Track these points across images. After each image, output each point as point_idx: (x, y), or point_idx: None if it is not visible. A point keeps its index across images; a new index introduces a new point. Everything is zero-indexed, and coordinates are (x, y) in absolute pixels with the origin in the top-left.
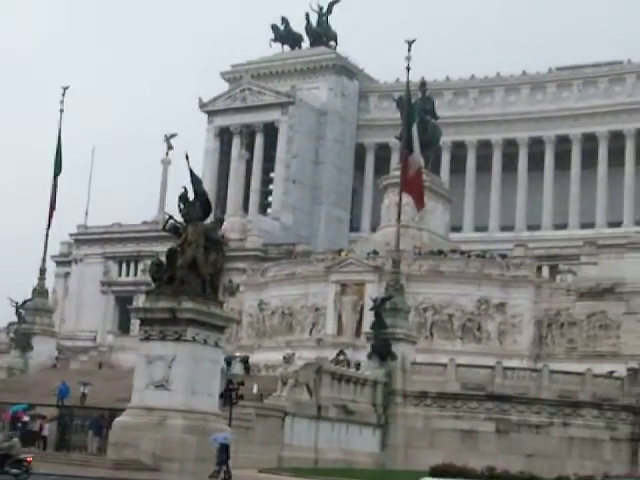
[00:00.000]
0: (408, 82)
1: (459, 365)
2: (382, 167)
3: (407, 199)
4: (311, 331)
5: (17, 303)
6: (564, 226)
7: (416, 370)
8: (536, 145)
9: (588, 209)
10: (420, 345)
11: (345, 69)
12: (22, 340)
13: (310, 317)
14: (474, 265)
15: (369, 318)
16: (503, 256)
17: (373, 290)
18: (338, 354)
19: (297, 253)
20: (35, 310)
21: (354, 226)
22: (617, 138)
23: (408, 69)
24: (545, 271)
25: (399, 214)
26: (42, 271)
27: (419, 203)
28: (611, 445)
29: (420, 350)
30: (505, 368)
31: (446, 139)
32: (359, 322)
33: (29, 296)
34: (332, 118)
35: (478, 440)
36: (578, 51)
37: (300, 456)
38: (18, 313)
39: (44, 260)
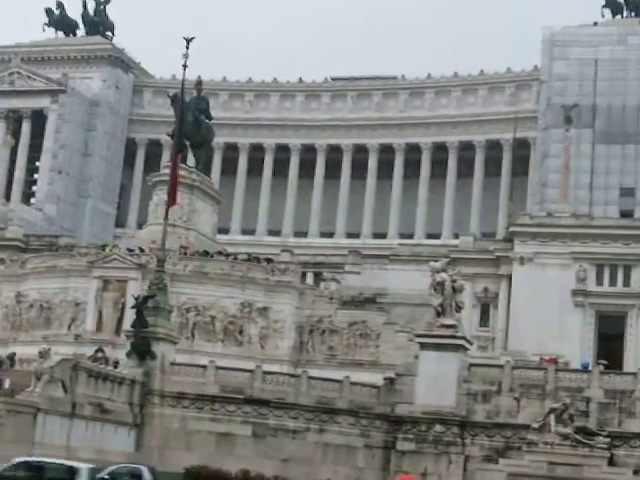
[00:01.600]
0: (184, 80)
1: (219, 367)
2: (153, 164)
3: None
4: (70, 326)
5: None
6: (331, 235)
7: (175, 371)
8: (308, 152)
9: (355, 219)
10: (181, 346)
11: (120, 61)
12: None
13: (69, 312)
14: (239, 268)
15: (130, 316)
16: (269, 260)
17: (136, 288)
18: (97, 351)
19: (60, 246)
20: None
21: (120, 222)
22: (387, 151)
23: (184, 67)
24: (310, 278)
25: (167, 212)
26: None
27: (171, 200)
28: (365, 452)
29: (181, 351)
30: (265, 372)
31: (219, 140)
32: (120, 320)
33: None
34: (104, 110)
35: (235, 443)
36: (354, 64)
37: (51, 454)
38: None
39: None
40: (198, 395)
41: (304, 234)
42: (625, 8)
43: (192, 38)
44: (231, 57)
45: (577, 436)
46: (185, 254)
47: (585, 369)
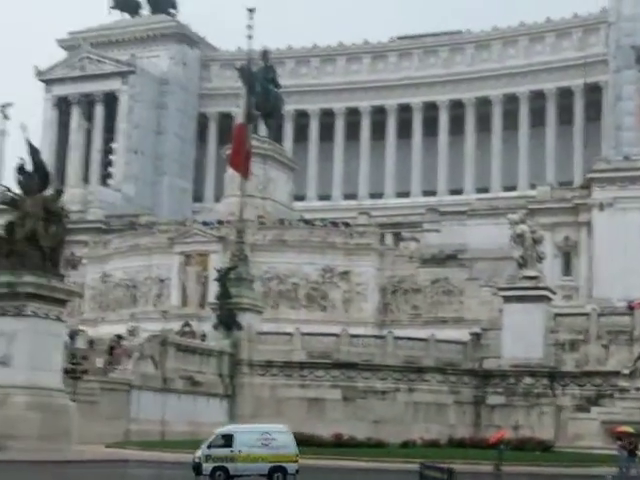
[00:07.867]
0: (250, 51)
1: (304, 334)
2: (225, 137)
3: (251, 169)
4: (155, 303)
5: None
6: (407, 194)
7: (262, 340)
8: (378, 114)
9: (430, 177)
10: (266, 315)
11: (186, 37)
12: None
13: (154, 289)
14: (318, 234)
15: (214, 288)
16: (347, 224)
17: (217, 260)
18: (183, 325)
19: (140, 224)
20: None
21: (198, 197)
22: (457, 106)
23: (249, 37)
24: (389, 239)
25: (242, 184)
26: None
27: (245, 172)
28: (455, 408)
29: (266, 320)
30: (351, 336)
31: (289, 108)
32: (204, 293)
33: None
34: (173, 87)
35: (325, 408)
36: (418, 21)
37: (147, 429)
38: None
39: None
40: (286, 362)
41: (380, 195)
42: None
43: (254, 8)
44: (294, 24)
45: None
46: (263, 224)
47: None
